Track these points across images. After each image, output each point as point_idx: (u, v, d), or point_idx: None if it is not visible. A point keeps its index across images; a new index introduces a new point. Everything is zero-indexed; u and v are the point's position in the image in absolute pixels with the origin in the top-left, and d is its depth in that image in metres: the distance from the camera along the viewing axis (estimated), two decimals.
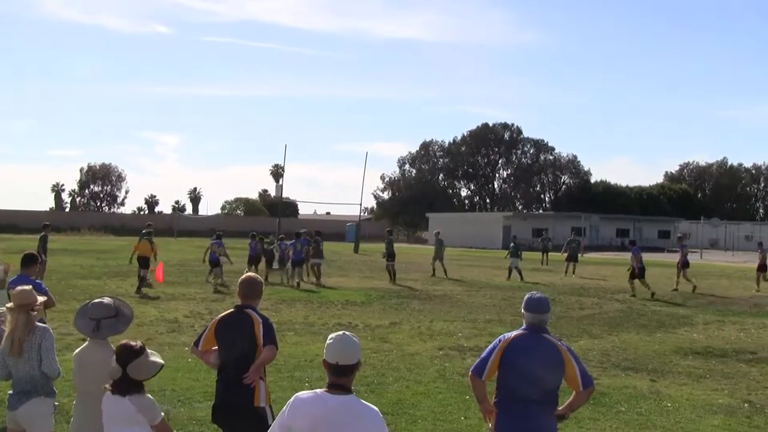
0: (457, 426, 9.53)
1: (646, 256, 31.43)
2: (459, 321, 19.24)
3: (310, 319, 18.74)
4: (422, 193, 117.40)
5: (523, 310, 6.08)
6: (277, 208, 77.90)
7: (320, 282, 29.10)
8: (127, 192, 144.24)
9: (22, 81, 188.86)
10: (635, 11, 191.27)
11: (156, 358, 5.16)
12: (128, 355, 4.88)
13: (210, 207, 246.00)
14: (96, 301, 5.99)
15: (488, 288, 28.91)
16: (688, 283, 29.77)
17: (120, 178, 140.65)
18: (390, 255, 31.96)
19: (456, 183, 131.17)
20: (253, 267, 29.58)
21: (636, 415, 10.30)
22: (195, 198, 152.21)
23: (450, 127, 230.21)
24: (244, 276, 6.96)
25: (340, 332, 4.54)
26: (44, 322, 6.69)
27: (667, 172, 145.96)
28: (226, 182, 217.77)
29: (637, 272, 27.71)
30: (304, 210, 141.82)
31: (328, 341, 4.47)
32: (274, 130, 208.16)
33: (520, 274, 34.08)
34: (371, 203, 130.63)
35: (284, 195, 75.94)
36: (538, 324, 5.98)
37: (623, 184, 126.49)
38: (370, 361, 13.20)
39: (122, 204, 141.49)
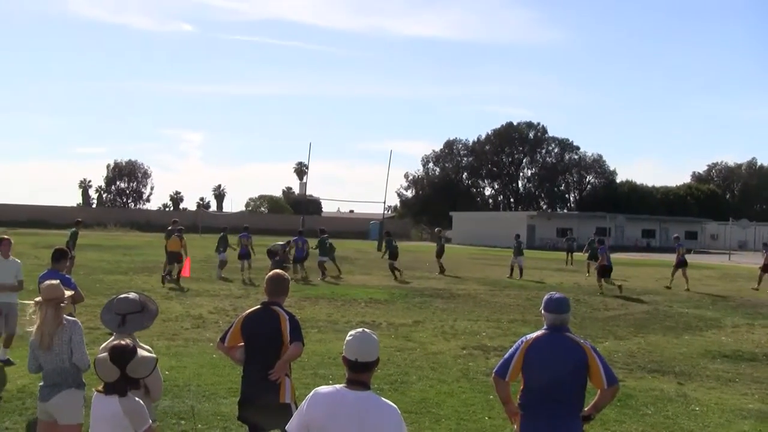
0: (481, 426, 9.48)
1: (674, 257, 31.30)
2: (482, 320, 19.19)
3: (334, 317, 18.74)
4: (446, 191, 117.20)
5: (543, 311, 6.04)
6: (301, 205, 78.15)
7: (324, 278, 29.61)
8: (152, 189, 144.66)
9: (50, 79, 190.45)
10: (662, 10, 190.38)
11: (147, 353, 5.11)
12: (126, 355, 4.81)
13: (234, 204, 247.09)
14: (122, 296, 6.01)
15: (512, 288, 28.80)
16: (686, 281, 30.91)
17: (146, 175, 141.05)
18: (392, 254, 32.80)
19: (480, 182, 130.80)
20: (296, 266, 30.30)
21: (663, 418, 10.22)
22: (219, 195, 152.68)
23: (474, 125, 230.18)
24: (270, 273, 6.97)
25: (360, 329, 4.57)
26: (73, 317, 6.71)
27: (694, 172, 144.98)
28: (249, 180, 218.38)
29: (600, 270, 28.90)
30: (327, 208, 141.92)
31: (347, 338, 4.50)
32: (298, 128, 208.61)
33: (521, 271, 34.23)
34: (395, 201, 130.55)
35: (308, 193, 76.02)
36: (559, 324, 5.94)
37: (649, 184, 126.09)
38: (393, 360, 13.18)
39: (148, 200, 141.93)
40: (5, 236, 12.74)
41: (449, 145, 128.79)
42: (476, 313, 20.70)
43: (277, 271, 7.07)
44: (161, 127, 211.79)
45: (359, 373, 4.41)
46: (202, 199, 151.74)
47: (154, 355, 5.23)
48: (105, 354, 4.86)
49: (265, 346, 6.54)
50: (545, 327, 6.00)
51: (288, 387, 6.52)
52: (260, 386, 6.46)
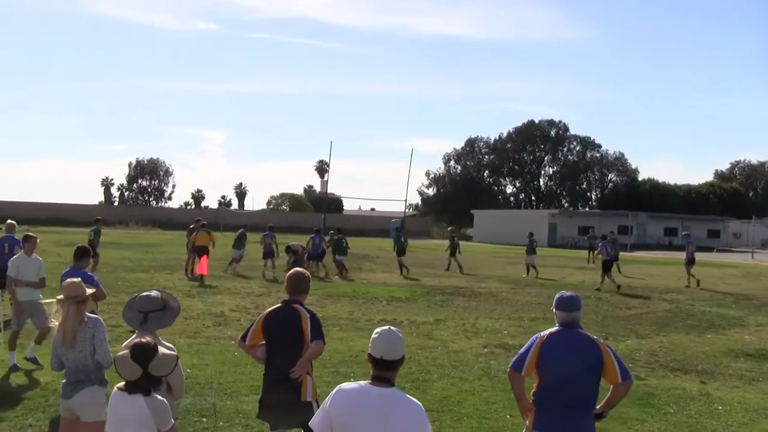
0: (502, 424, 9.45)
1: (695, 256, 31.14)
2: (504, 319, 19.14)
3: (355, 315, 18.74)
4: (467, 189, 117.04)
5: (554, 309, 6.14)
6: (322, 203, 78.23)
7: (345, 276, 29.74)
8: (174, 187, 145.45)
9: (73, 78, 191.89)
10: (684, 7, 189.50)
11: (167, 351, 5.12)
12: (147, 353, 4.81)
13: (255, 202, 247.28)
14: (144, 294, 6.02)
15: (533, 286, 28.72)
16: (694, 278, 30.86)
17: (167, 173, 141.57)
18: (400, 250, 33.40)
19: (501, 180, 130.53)
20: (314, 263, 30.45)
21: (685, 417, 10.15)
22: (241, 193, 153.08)
23: (495, 123, 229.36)
24: (291, 271, 6.98)
25: (386, 327, 4.57)
26: (95, 314, 6.74)
27: (717, 170, 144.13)
28: (271, 178, 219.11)
29: (604, 265, 29.16)
30: (348, 206, 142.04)
31: (373, 335, 4.50)
32: (319, 126, 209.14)
33: (536, 270, 34.22)
34: (416, 200, 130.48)
35: (329, 191, 76.22)
36: (570, 321, 6.02)
37: (671, 182, 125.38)
38: (415, 358, 13.16)
39: (169, 198, 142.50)
40: (31, 234, 12.81)
41: (471, 143, 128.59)
42: (498, 311, 20.66)
43: (298, 269, 7.07)
44: (183, 125, 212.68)
45: (384, 371, 4.42)
46: (223, 197, 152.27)
47: (175, 353, 5.25)
48: (126, 352, 4.86)
49: (286, 344, 6.54)
50: (557, 324, 6.07)
51: (309, 385, 6.52)
52: (281, 384, 6.45)
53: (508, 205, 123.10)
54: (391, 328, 4.55)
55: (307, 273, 7.03)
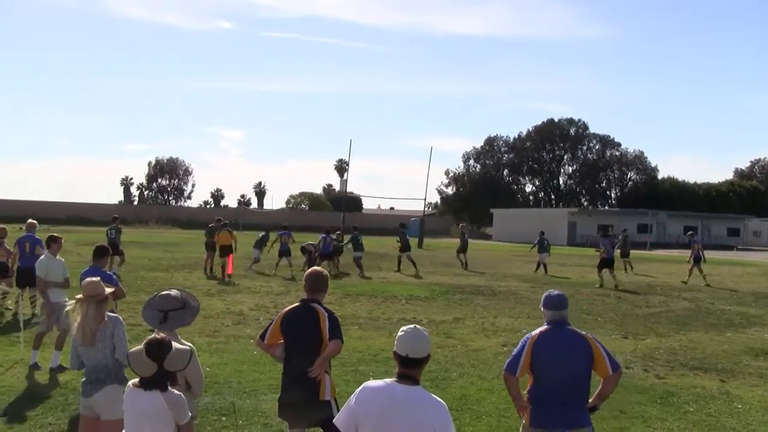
0: (520, 423, 9.45)
1: (715, 254, 30.97)
2: (523, 317, 19.10)
3: (375, 314, 18.75)
4: (486, 188, 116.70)
5: (542, 308, 6.32)
6: (342, 202, 78.15)
7: (361, 274, 29.96)
8: (193, 186, 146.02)
9: (92, 77, 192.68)
10: (703, 4, 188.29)
11: (180, 345, 5.14)
12: (163, 349, 4.81)
13: (275, 201, 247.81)
14: (164, 293, 6.05)
15: (553, 284, 28.61)
16: (702, 276, 30.96)
17: (187, 172, 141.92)
18: (403, 246, 33.92)
19: (521, 178, 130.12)
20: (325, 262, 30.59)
21: (705, 416, 10.10)
22: (260, 192, 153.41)
23: (515, 122, 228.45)
24: (309, 270, 7.00)
25: (412, 326, 4.60)
26: (115, 313, 6.78)
27: (736, 168, 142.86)
28: (290, 177, 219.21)
29: (602, 262, 29.33)
30: (367, 205, 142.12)
31: (399, 333, 4.55)
32: (339, 125, 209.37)
33: (546, 268, 34.28)
34: (435, 198, 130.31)
35: (348, 190, 76.23)
36: (558, 319, 6.20)
37: (691, 180, 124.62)
38: (434, 356, 13.13)
39: (189, 198, 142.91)
40: (56, 234, 12.87)
41: (490, 141, 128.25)
42: (517, 309, 20.62)
43: (316, 268, 7.09)
44: (202, 124, 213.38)
45: (409, 369, 4.46)
46: (242, 196, 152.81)
47: (188, 346, 5.27)
48: (140, 348, 4.86)
49: (304, 343, 6.54)
50: (546, 323, 6.25)
51: (328, 384, 6.52)
52: (300, 383, 6.46)
53: (528, 204, 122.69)
54: (417, 326, 4.57)
55: (326, 272, 7.04)
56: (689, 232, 37.33)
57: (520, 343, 6.23)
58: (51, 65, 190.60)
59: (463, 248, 36.70)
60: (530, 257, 47.73)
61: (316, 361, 6.46)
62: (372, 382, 4.54)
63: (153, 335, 4.95)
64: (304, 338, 6.56)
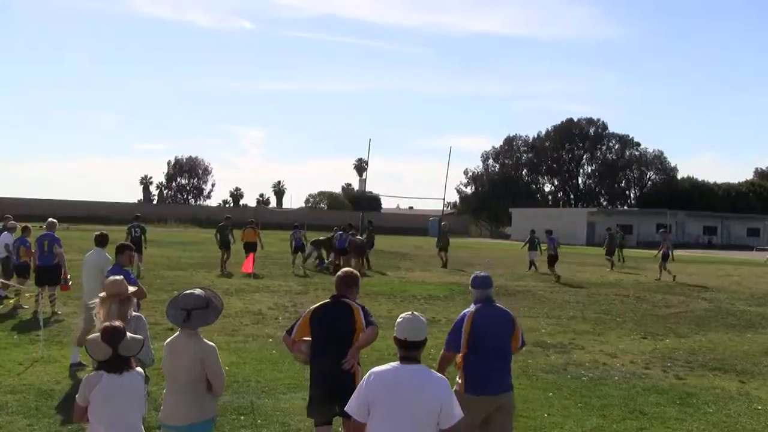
0: (539, 423, 9.46)
1: (735, 254, 30.77)
2: (542, 317, 19.09)
3: (394, 313, 18.71)
4: (505, 188, 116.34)
5: (471, 288, 7.19)
6: (361, 202, 78.26)
7: (368, 269, 31.34)
8: (213, 185, 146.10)
9: (112, 76, 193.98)
10: (722, 2, 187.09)
11: (134, 335, 5.32)
12: (117, 335, 5.07)
13: (294, 200, 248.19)
14: (187, 292, 6.08)
15: (572, 284, 28.59)
16: (669, 274, 31.60)
17: (206, 171, 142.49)
18: (369, 243, 34.48)
19: (540, 178, 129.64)
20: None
21: (724, 417, 10.06)
22: (279, 191, 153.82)
23: (534, 121, 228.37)
24: (341, 272, 7.22)
25: (409, 312, 5.14)
26: (137, 312, 6.84)
27: (757, 168, 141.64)
28: (309, 176, 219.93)
29: (549, 259, 31.43)
30: (386, 204, 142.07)
31: (398, 320, 5.06)
32: (358, 124, 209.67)
33: (536, 267, 34.46)
34: (454, 198, 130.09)
35: (367, 189, 76.28)
36: (485, 297, 7.07)
37: (711, 180, 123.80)
38: None
39: (208, 197, 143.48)
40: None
41: (509, 141, 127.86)
42: (536, 309, 20.59)
43: (348, 269, 7.33)
44: (222, 123, 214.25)
45: (410, 350, 4.97)
46: (261, 195, 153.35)
47: (140, 336, 5.41)
48: (97, 335, 5.13)
49: (336, 337, 6.71)
50: (475, 301, 7.09)
51: (360, 375, 6.66)
52: (334, 377, 6.58)
53: (547, 204, 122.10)
54: (414, 312, 5.10)
55: (356, 272, 7.32)
56: (661, 230, 37.61)
57: (456, 322, 7.00)
58: (71, 64, 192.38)
59: (444, 246, 36.76)
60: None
61: (350, 351, 6.66)
62: (378, 367, 4.99)
63: (108, 323, 5.21)
64: (336, 332, 6.72)
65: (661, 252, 32.31)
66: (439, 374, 5.08)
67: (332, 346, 6.64)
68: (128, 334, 5.19)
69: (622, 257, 43.93)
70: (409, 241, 59.29)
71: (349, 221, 36.71)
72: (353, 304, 6.83)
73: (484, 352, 6.76)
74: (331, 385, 6.58)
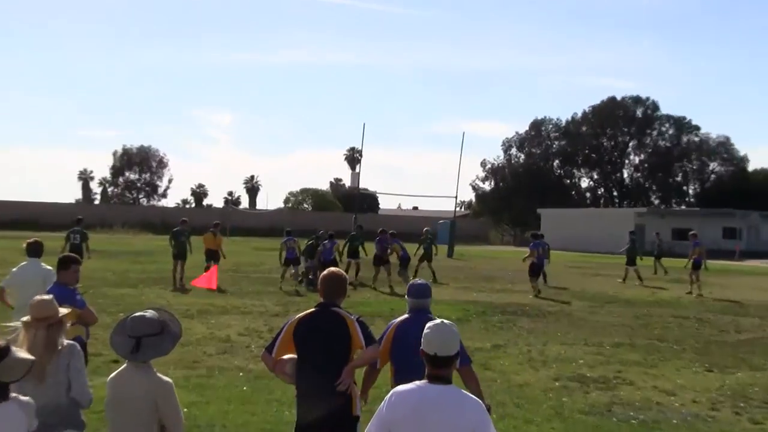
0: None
1: None
2: (580, 344, 19.05)
3: None
4: (533, 183, 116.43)
5: (407, 297, 7.98)
6: (354, 201, 78.31)
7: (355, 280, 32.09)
8: (170, 181, 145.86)
9: (45, 52, 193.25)
10: None
11: (23, 355, 5.15)
12: None
13: (270, 200, 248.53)
14: (137, 314, 6.02)
15: (616, 303, 28.55)
16: (691, 285, 32.78)
17: (161, 164, 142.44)
18: (353, 253, 34.56)
19: (575, 171, 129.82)
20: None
21: None
22: (252, 188, 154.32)
23: (567, 102, 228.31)
24: (326, 272, 7.42)
25: (438, 320, 5.28)
26: (85, 342, 6.74)
27: None
28: (289, 170, 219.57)
29: (532, 269, 31.89)
30: (385, 204, 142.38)
31: (425, 330, 5.15)
32: (350, 105, 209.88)
33: (546, 278, 34.39)
34: (469, 196, 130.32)
35: (362, 186, 76.35)
36: (419, 308, 7.80)
37: None
38: None
39: (164, 196, 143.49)
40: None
41: (536, 125, 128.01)
42: (572, 335, 20.56)
43: (333, 269, 7.55)
44: (181, 105, 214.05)
45: (440, 368, 5.03)
46: (230, 194, 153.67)
47: (30, 357, 5.24)
48: None
49: (327, 353, 6.83)
50: (409, 311, 7.88)
51: (358, 398, 6.76)
52: (325, 400, 6.69)
53: (584, 203, 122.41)
54: (444, 321, 5.23)
55: (344, 273, 7.56)
56: (691, 232, 37.61)
57: (383, 332, 7.72)
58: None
59: (427, 256, 37.15)
60: (589, 268, 47.76)
61: (345, 369, 6.78)
62: (402, 386, 5.12)
63: None
64: (326, 347, 6.84)
65: (692, 260, 33.15)
66: (474, 396, 5.12)
67: (323, 363, 6.71)
68: (14, 352, 5.03)
69: (663, 267, 43.64)
70: (412, 249, 59.29)
71: (331, 231, 36.23)
72: (347, 315, 6.97)
73: (413, 370, 6.63)
74: (323, 409, 6.64)
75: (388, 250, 33.07)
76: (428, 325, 5.19)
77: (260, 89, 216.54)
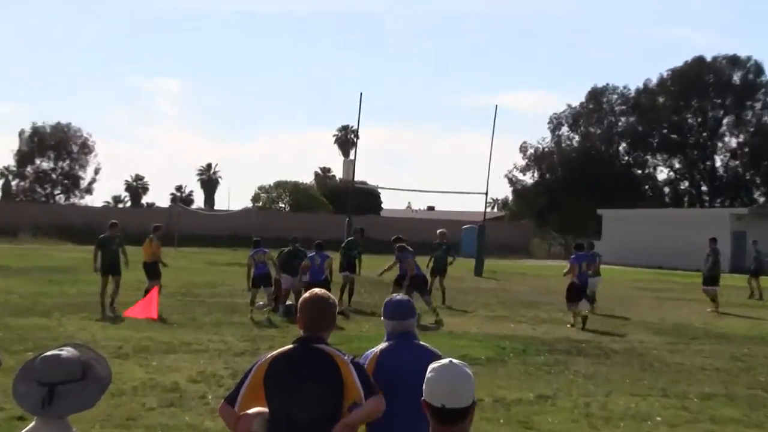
0: None
1: None
2: (655, 395, 19.01)
3: None
4: (590, 175, 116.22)
5: (383, 318, 7.94)
6: (347, 198, 78.32)
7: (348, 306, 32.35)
8: (96, 171, 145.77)
9: None
10: None
11: None
12: None
13: (234, 196, 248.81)
14: (49, 354, 5.98)
15: (706, 339, 28.52)
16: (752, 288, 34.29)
17: (85, 148, 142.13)
18: (348, 265, 34.99)
19: (648, 158, 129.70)
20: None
21: None
22: (209, 181, 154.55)
23: (637, 65, 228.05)
24: (307, 295, 7.27)
25: (446, 360, 5.18)
26: None
27: None
28: (260, 157, 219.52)
29: (571, 292, 31.50)
30: (390, 203, 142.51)
31: (428, 374, 5.08)
32: (340, 71, 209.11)
33: (593, 303, 34.06)
34: (504, 192, 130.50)
35: (358, 178, 76.38)
36: (401, 331, 7.79)
37: None
38: None
39: (88, 191, 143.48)
40: None
41: (596, 96, 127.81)
42: (644, 382, 20.52)
43: (317, 290, 7.29)
44: (114, 72, 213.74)
45: (449, 425, 4.97)
46: (180, 188, 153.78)
47: None
48: None
49: (311, 405, 6.69)
50: (387, 337, 7.86)
51: None
52: None
53: (662, 201, 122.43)
54: (453, 361, 5.13)
55: (331, 296, 7.40)
56: (752, 240, 38.92)
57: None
58: None
59: (439, 269, 37.41)
60: (668, 291, 47.72)
61: (336, 427, 6.67)
62: None
63: None
64: (310, 399, 6.74)
65: (754, 265, 35.86)
66: None
67: (304, 420, 6.64)
68: None
69: (759, 289, 43.57)
70: (423, 263, 59.34)
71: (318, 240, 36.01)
72: (338, 355, 6.86)
73: (396, 408, 7.00)
74: None
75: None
76: (432, 367, 5.10)
77: (218, 49, 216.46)
